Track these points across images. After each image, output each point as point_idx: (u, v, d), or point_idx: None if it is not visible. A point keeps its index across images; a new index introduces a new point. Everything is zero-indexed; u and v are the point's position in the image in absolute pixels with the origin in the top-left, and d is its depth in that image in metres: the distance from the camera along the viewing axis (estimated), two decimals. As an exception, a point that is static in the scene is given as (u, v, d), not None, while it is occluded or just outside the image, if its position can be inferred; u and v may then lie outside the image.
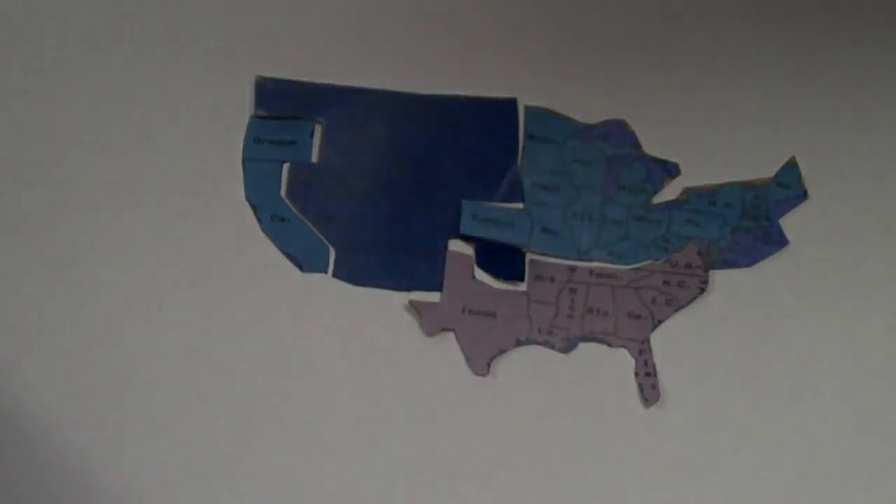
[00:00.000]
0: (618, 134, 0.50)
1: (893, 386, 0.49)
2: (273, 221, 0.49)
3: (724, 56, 0.51)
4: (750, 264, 0.50)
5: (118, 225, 0.49)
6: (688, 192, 0.50)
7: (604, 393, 0.49)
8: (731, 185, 0.50)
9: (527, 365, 0.49)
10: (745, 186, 0.50)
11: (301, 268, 0.49)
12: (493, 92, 0.50)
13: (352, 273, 0.49)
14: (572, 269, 0.49)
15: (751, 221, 0.50)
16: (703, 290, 0.50)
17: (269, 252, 0.49)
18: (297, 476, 0.48)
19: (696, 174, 0.50)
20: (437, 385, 0.49)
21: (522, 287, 0.49)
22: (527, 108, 0.50)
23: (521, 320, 0.49)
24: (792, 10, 0.51)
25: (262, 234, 0.49)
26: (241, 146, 0.49)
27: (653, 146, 0.50)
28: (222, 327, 0.49)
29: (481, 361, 0.49)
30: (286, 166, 0.49)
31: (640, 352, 0.49)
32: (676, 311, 0.50)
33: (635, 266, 0.50)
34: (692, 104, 0.51)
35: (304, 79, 0.50)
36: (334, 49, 0.50)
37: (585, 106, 0.50)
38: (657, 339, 0.50)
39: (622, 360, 0.49)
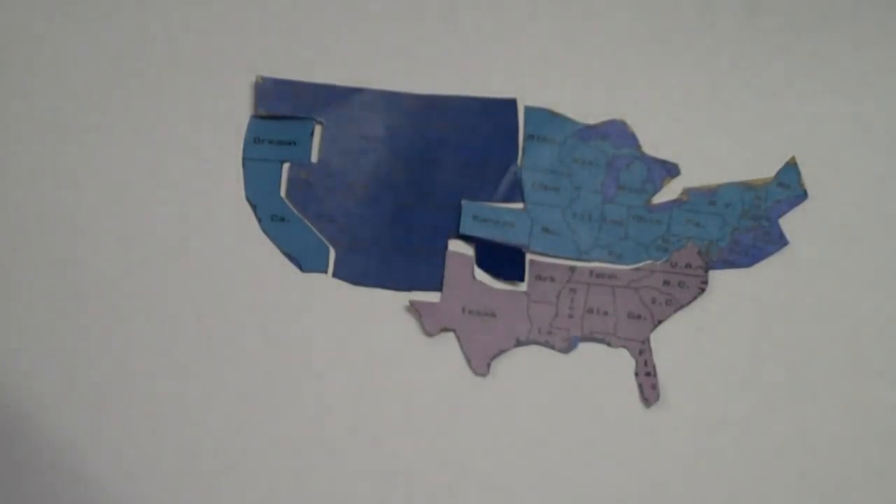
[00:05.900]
0: (618, 134, 0.50)
1: (893, 386, 0.49)
2: (273, 221, 0.49)
3: (724, 56, 0.51)
4: (750, 264, 0.50)
5: (117, 225, 0.49)
6: (688, 192, 0.50)
7: (604, 393, 0.49)
8: (731, 185, 0.50)
9: (527, 365, 0.49)
10: (745, 186, 0.50)
11: (301, 268, 0.49)
12: (493, 92, 0.50)
13: (352, 273, 0.49)
14: (572, 269, 0.49)
15: (751, 221, 0.50)
16: (703, 290, 0.50)
17: (268, 252, 0.49)
18: (297, 476, 0.48)
19: (696, 174, 0.50)
20: (437, 385, 0.49)
21: (522, 287, 0.49)
22: (527, 108, 0.50)
23: (521, 320, 0.49)
24: (792, 10, 0.51)
25: (261, 234, 0.49)
26: (241, 146, 0.49)
27: (653, 146, 0.50)
28: (222, 327, 0.49)
29: (481, 361, 0.49)
30: (286, 166, 0.50)
31: (640, 352, 0.49)
32: (676, 311, 0.50)
33: (635, 266, 0.50)
34: (692, 104, 0.51)
35: (304, 79, 0.50)
36: (334, 49, 0.50)
37: (585, 106, 0.50)
38: (657, 339, 0.50)
39: (622, 360, 0.49)
